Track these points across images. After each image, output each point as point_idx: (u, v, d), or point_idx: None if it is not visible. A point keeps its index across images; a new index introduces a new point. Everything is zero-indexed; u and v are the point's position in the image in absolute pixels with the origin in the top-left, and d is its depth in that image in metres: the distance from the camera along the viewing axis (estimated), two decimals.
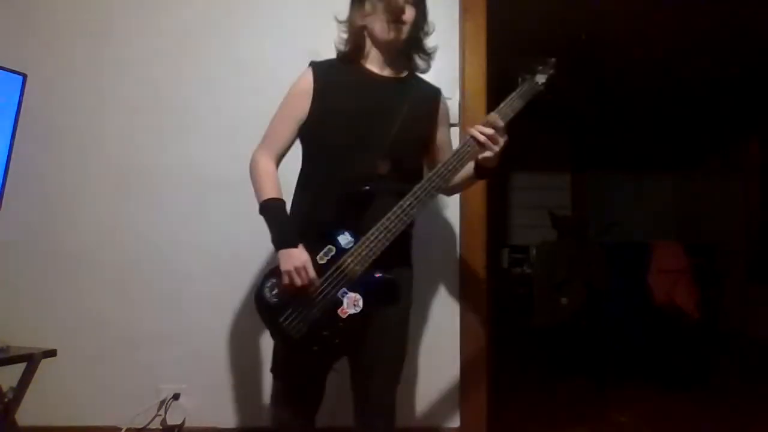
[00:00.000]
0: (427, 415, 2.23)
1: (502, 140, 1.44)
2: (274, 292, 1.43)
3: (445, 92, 2.26)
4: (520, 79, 1.52)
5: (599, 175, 6.17)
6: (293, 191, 1.58)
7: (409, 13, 1.50)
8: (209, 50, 2.34)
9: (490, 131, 1.42)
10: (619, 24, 3.79)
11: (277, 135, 1.54)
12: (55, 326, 2.22)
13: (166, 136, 2.32)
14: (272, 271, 1.45)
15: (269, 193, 1.46)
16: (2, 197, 1.85)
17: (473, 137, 1.43)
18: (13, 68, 1.87)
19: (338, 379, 1.57)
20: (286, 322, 1.40)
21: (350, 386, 1.56)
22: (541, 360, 4.09)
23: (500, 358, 2.82)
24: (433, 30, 1.63)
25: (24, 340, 1.89)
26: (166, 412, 2.21)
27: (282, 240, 1.42)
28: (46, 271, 2.27)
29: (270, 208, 1.46)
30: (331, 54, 1.63)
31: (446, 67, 2.29)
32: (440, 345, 2.25)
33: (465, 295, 2.25)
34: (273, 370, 1.59)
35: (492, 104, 2.31)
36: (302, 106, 1.52)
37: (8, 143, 1.86)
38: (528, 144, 5.85)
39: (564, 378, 3.72)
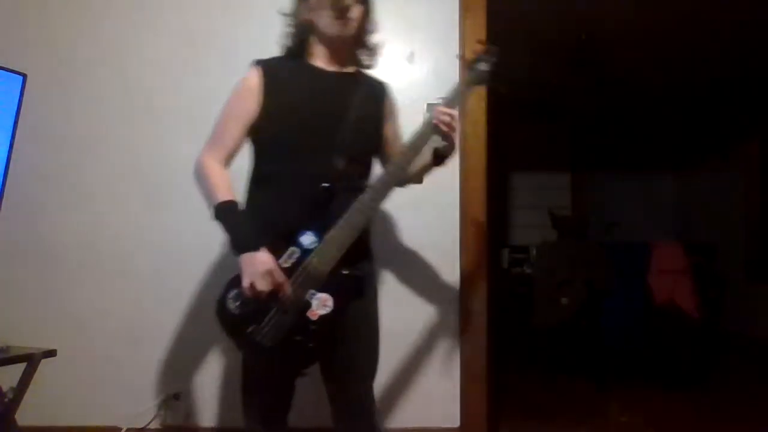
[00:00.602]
0: (427, 415, 2.23)
1: (456, 125, 1.47)
2: (238, 303, 1.36)
3: (445, 92, 2.29)
4: (466, 68, 1.57)
5: (599, 175, 6.17)
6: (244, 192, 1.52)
7: (356, 10, 1.49)
8: (209, 51, 2.34)
9: (445, 118, 1.44)
10: (619, 24, 3.79)
11: (225, 136, 1.47)
12: (55, 326, 2.23)
13: (166, 136, 2.32)
14: (233, 281, 1.38)
15: (223, 196, 1.38)
16: (2, 197, 1.85)
17: (435, 125, 1.44)
18: (13, 68, 1.87)
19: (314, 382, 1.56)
20: (255, 332, 1.35)
21: (326, 389, 1.53)
22: (541, 360, 4.09)
23: (500, 358, 2.82)
24: (378, 29, 1.61)
25: (24, 340, 1.90)
26: (166, 412, 2.21)
27: (243, 244, 1.35)
28: (46, 271, 2.27)
29: (226, 211, 1.38)
30: None
31: (446, 67, 2.30)
32: (440, 345, 2.25)
33: (465, 295, 2.25)
34: (244, 386, 1.55)
35: (492, 104, 2.32)
36: (251, 105, 1.47)
37: (8, 143, 1.86)
38: (528, 144, 5.87)
39: (564, 378, 3.72)
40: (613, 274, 3.71)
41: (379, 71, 2.29)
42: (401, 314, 2.25)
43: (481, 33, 2.29)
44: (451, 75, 2.29)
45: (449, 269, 2.26)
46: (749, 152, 5.50)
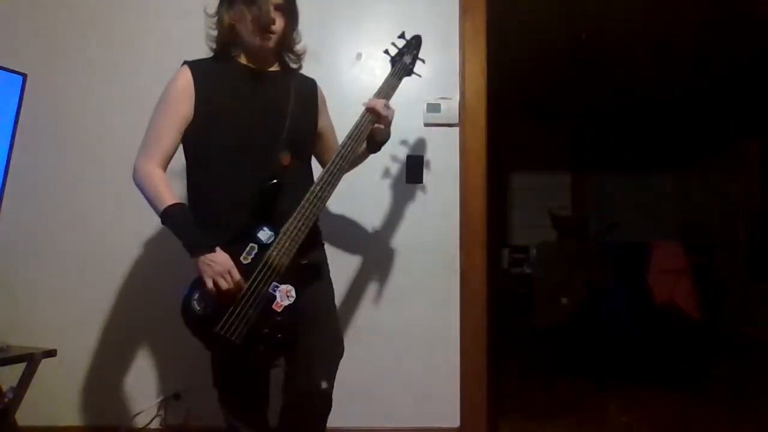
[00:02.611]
0: (427, 415, 2.23)
1: (391, 114, 1.57)
2: (203, 304, 1.40)
3: (445, 92, 2.30)
4: (390, 61, 1.67)
5: (599, 175, 6.17)
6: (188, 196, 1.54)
7: (279, 24, 1.50)
8: (209, 52, 2.34)
9: (380, 106, 1.52)
10: (619, 24, 3.79)
11: (161, 139, 1.47)
12: (55, 326, 2.22)
13: None
14: (195, 283, 1.41)
15: (169, 200, 1.40)
16: (2, 197, 1.85)
17: (371, 110, 1.52)
18: (13, 68, 1.87)
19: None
20: (224, 330, 1.37)
21: (287, 376, 1.53)
22: (541, 360, 4.09)
23: (500, 358, 2.82)
24: (300, 39, 1.63)
25: (24, 340, 1.90)
26: (166, 412, 2.21)
27: (197, 245, 1.38)
28: (45, 271, 2.27)
29: (174, 215, 1.40)
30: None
31: (446, 67, 2.30)
32: (440, 345, 2.25)
33: (465, 295, 2.25)
34: (215, 384, 1.60)
35: (492, 104, 2.33)
36: (185, 107, 1.47)
37: (8, 143, 1.86)
38: (528, 144, 5.87)
39: (564, 378, 3.72)
40: (612, 274, 3.72)
41: (379, 71, 2.31)
42: (401, 314, 2.25)
43: (481, 33, 2.30)
44: (451, 75, 2.30)
45: (449, 269, 2.26)
46: (749, 152, 5.50)
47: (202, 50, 2.35)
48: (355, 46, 2.33)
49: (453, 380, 2.23)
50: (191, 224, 1.41)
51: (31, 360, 1.79)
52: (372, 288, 2.27)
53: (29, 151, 2.15)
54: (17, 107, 1.88)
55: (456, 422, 2.22)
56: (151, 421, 2.20)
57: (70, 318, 2.25)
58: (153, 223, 2.28)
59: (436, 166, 2.29)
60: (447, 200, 2.27)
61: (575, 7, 3.52)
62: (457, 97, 2.29)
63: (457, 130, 2.28)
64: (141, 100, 2.31)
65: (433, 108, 2.28)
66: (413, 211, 2.28)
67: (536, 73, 4.63)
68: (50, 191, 2.30)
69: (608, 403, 3.14)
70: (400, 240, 2.28)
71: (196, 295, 1.41)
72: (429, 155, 2.28)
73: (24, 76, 1.89)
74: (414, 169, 2.27)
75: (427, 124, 2.29)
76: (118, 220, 2.28)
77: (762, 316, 4.98)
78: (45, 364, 1.82)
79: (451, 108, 2.28)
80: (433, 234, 2.27)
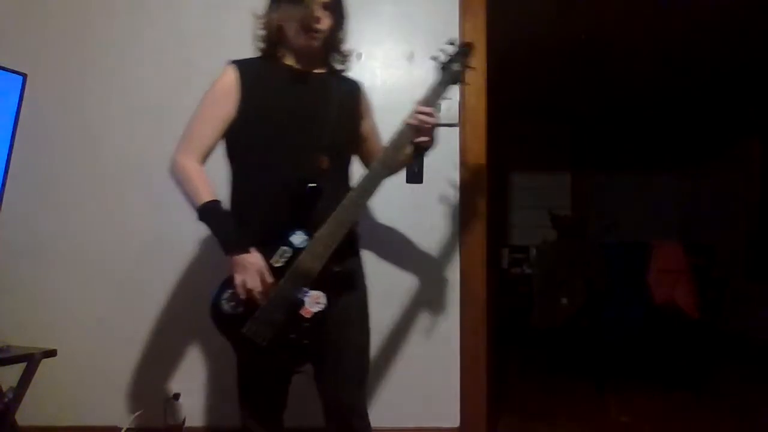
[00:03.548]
0: (427, 415, 2.23)
1: (433, 122, 1.50)
2: (232, 303, 1.39)
3: (445, 92, 2.29)
4: (440, 68, 1.59)
5: (599, 175, 6.18)
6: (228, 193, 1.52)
7: (325, 22, 1.49)
8: (210, 51, 2.34)
9: (424, 116, 1.47)
10: (620, 24, 3.79)
11: (201, 136, 1.47)
12: (55, 326, 2.23)
13: (167, 135, 2.30)
14: (227, 281, 1.40)
15: (206, 196, 1.39)
16: (2, 197, 1.85)
17: (411, 124, 1.47)
18: (13, 68, 1.87)
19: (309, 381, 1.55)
20: (250, 331, 1.36)
21: (317, 386, 1.52)
22: (541, 360, 4.09)
23: (500, 358, 2.82)
24: (346, 37, 1.61)
25: (24, 340, 1.90)
26: (166, 412, 2.21)
27: (233, 245, 1.37)
28: (46, 271, 2.27)
29: (212, 212, 1.39)
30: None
31: None
32: (440, 345, 2.25)
33: (465, 295, 2.25)
34: (240, 385, 1.58)
35: (491, 103, 2.33)
36: (228, 106, 1.47)
37: (8, 143, 1.86)
38: (528, 144, 5.87)
39: (564, 378, 3.72)
40: (612, 274, 3.72)
41: (379, 71, 2.31)
42: (401, 314, 2.25)
43: (481, 33, 2.29)
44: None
45: (449, 269, 2.26)
46: (749, 152, 5.50)
47: (202, 49, 2.36)
48: (356, 46, 2.31)
49: (453, 380, 2.24)
50: (228, 222, 1.40)
51: (31, 360, 1.79)
52: (372, 288, 2.26)
53: (29, 151, 2.15)
54: (17, 107, 1.88)
55: (456, 422, 2.22)
56: (151, 421, 2.20)
57: (70, 318, 2.25)
58: (153, 224, 2.28)
59: (436, 166, 2.28)
60: (447, 200, 2.27)
61: (575, 7, 3.52)
62: (457, 97, 2.29)
63: (457, 130, 2.28)
64: (141, 100, 2.33)
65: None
66: (413, 212, 2.28)
67: (536, 73, 4.63)
68: (50, 191, 2.30)
69: (608, 403, 3.14)
70: (399, 240, 2.28)
71: (226, 294, 1.39)
72: (429, 155, 2.28)
73: (24, 76, 1.89)
74: (414, 169, 2.26)
75: None
76: (119, 220, 2.28)
77: (762, 316, 4.98)
78: (45, 364, 1.82)
79: (451, 108, 2.28)
80: (433, 234, 2.27)
